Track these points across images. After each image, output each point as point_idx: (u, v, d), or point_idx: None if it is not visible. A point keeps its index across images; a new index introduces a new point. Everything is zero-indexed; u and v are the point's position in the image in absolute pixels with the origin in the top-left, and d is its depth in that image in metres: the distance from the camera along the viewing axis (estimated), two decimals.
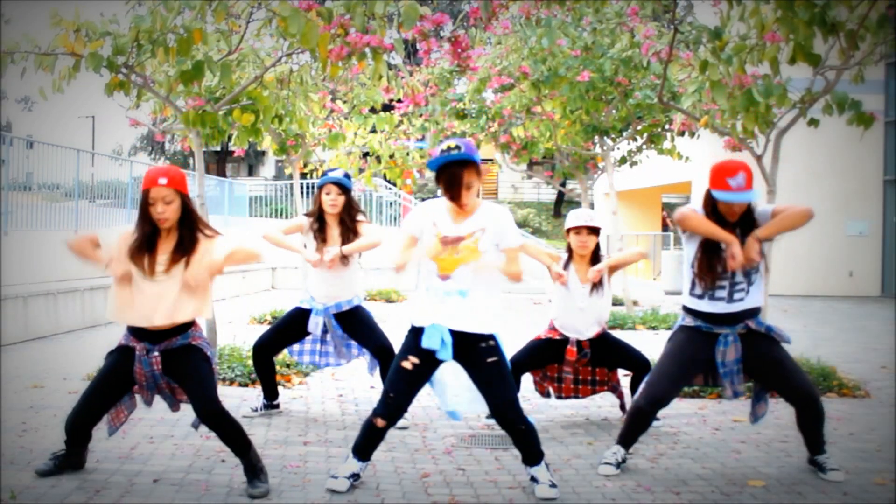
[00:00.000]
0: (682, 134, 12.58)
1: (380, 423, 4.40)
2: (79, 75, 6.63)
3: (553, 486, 4.38)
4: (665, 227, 29.17)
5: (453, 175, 4.22)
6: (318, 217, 5.99)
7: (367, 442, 4.50)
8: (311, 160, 13.21)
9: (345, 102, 11.53)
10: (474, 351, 4.35)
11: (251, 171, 45.72)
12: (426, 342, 4.29)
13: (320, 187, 5.98)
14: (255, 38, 7.61)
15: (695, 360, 4.81)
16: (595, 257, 5.89)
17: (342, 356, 6.16)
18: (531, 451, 4.46)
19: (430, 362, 4.39)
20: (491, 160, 16.70)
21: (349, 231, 5.95)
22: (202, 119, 7.27)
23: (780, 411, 6.18)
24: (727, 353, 4.72)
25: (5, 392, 6.85)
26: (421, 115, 13.41)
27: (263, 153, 42.90)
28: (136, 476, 4.62)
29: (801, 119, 7.24)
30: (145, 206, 4.39)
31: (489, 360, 4.35)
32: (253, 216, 24.30)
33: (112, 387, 4.56)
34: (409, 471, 4.81)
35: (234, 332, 10.73)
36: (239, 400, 6.59)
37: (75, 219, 13.72)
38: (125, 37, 6.46)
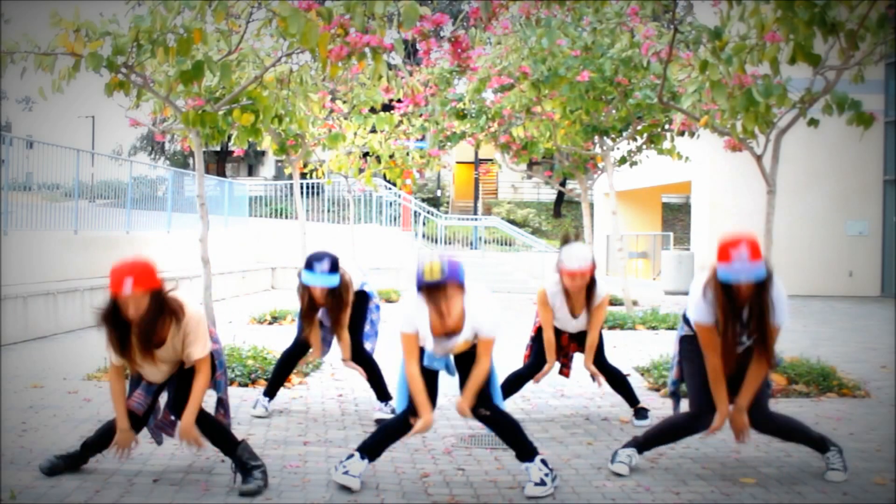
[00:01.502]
0: (681, 134, 12.58)
1: (412, 420, 4.48)
2: (79, 75, 6.63)
3: (540, 483, 4.38)
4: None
5: (435, 297, 4.28)
6: (310, 308, 6.00)
7: (378, 443, 4.55)
8: (310, 160, 13.22)
9: (344, 102, 11.54)
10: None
11: (251, 171, 45.71)
12: (427, 362, 4.52)
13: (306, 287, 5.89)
14: (255, 38, 7.61)
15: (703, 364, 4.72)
16: (590, 290, 5.79)
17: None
18: (515, 444, 4.54)
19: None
20: (491, 160, 16.70)
21: (341, 307, 5.90)
22: (202, 119, 7.27)
23: (832, 410, 6.16)
24: None
25: (5, 392, 6.85)
26: (421, 115, 13.41)
27: (263, 153, 42.90)
28: (135, 476, 4.62)
29: (800, 119, 7.24)
30: (114, 306, 4.30)
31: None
32: (253, 216, 24.31)
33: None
34: (409, 471, 4.81)
35: (233, 332, 10.73)
36: (239, 400, 6.59)
37: (75, 219, 13.72)
38: (125, 37, 6.46)
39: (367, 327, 6.24)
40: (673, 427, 4.80)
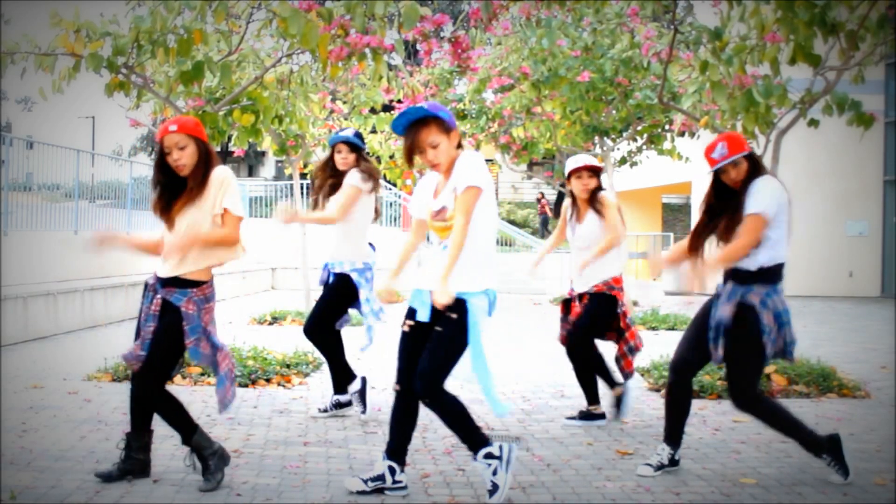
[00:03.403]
0: (682, 134, 12.59)
1: (395, 387, 4.36)
2: (79, 76, 6.63)
3: (493, 489, 4.18)
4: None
5: (413, 137, 4.14)
6: (333, 175, 6.05)
7: (394, 430, 4.37)
8: (311, 161, 13.22)
9: (345, 103, 11.54)
10: (438, 315, 4.20)
11: (251, 172, 45.72)
12: (410, 301, 4.32)
13: (332, 146, 6.05)
14: (256, 38, 7.62)
15: (704, 322, 4.70)
16: (595, 197, 5.89)
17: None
18: (458, 432, 4.27)
19: (422, 326, 4.29)
20: (491, 160, 16.70)
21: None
22: (202, 119, 7.28)
23: (832, 411, 6.17)
24: (718, 310, 4.60)
25: (5, 392, 6.85)
26: None
27: (263, 154, 42.90)
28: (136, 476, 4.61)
29: (801, 119, 7.25)
30: (161, 157, 4.40)
31: (437, 327, 4.19)
32: (253, 217, 24.30)
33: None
34: (409, 471, 4.81)
35: (233, 332, 10.73)
36: (239, 400, 6.58)
37: (75, 219, 13.73)
38: (125, 37, 6.46)
39: (364, 308, 6.04)
40: (667, 392, 4.82)
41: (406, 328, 4.35)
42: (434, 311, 4.20)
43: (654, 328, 12.11)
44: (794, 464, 5.05)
